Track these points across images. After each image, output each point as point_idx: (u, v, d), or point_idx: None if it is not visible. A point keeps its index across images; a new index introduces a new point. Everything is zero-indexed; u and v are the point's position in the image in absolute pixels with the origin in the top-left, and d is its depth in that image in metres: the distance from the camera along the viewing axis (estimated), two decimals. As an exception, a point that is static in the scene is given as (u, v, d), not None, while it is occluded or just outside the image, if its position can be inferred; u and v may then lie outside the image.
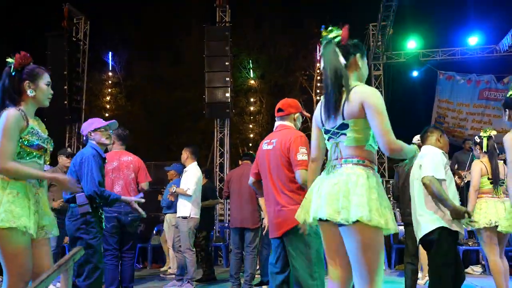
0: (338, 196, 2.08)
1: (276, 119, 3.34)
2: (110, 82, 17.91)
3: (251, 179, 3.39)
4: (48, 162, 2.62)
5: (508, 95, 3.48)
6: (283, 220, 3.01)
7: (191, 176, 5.58)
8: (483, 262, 7.01)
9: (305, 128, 10.32)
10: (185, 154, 5.77)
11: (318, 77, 18.90)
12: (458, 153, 7.85)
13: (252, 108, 18.58)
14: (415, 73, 11.46)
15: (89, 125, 3.77)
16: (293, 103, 3.31)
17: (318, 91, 18.87)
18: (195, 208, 5.55)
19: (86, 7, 11.30)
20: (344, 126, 2.16)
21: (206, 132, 15.11)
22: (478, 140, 4.56)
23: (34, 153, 2.47)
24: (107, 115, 17.18)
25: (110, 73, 17.80)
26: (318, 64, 18.87)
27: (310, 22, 18.24)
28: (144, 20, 18.01)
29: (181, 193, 5.52)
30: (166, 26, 17.66)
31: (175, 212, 5.84)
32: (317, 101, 15.83)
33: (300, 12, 18.49)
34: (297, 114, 3.29)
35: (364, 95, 2.12)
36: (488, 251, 4.28)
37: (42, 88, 2.54)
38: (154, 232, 8.64)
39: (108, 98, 17.92)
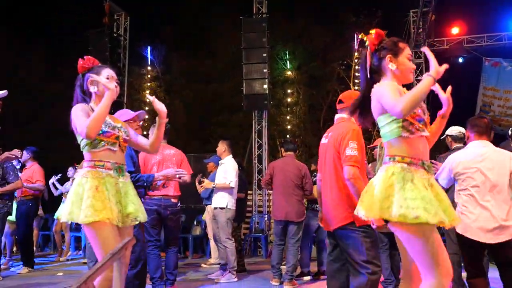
0: (370, 194, 2.22)
1: (338, 111, 3.31)
2: (149, 76, 18.24)
3: (319, 174, 3.34)
4: (125, 150, 2.71)
5: None
6: (333, 217, 3.01)
7: (231, 169, 5.71)
8: None
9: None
10: (223, 147, 5.85)
11: (356, 67, 18.59)
12: (504, 144, 7.54)
13: (289, 100, 18.48)
14: (460, 60, 11.07)
15: (117, 117, 3.85)
16: (354, 94, 3.20)
17: (356, 81, 18.57)
18: (232, 199, 5.70)
19: (125, 2, 11.54)
20: (377, 125, 2.30)
21: (244, 124, 15.16)
22: (511, 133, 4.33)
23: (106, 140, 2.55)
24: (147, 108, 17.54)
25: (149, 68, 18.11)
26: (356, 54, 18.57)
27: (346, 12, 17.94)
28: (180, 14, 18.19)
29: (223, 187, 5.63)
30: (201, 19, 17.80)
31: None
32: (355, 91, 15.59)
33: (337, 1, 18.18)
34: None
35: (375, 91, 2.24)
36: None
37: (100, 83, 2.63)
38: (195, 223, 8.80)
39: (147, 92, 18.27)
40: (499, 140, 6.95)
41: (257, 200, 9.98)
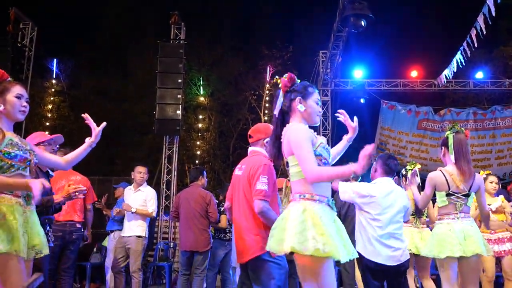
0: (281, 228, 2.31)
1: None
2: (53, 90, 17.20)
3: (227, 203, 3.38)
4: (34, 174, 2.55)
5: (445, 135, 3.74)
6: (245, 249, 3.02)
7: (153, 197, 5.64)
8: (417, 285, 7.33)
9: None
10: (145, 173, 5.70)
11: (267, 98, 19.22)
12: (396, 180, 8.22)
13: (200, 125, 18.50)
14: (360, 101, 11.95)
15: (32, 139, 3.64)
16: (263, 128, 3.33)
17: (266, 111, 19.16)
18: (147, 228, 5.60)
19: (34, 13, 10.89)
20: (287, 164, 2.40)
21: (153, 148, 14.85)
22: (404, 173, 4.81)
23: (18, 165, 2.39)
24: (47, 124, 16.48)
25: (54, 81, 17.10)
26: (267, 85, 19.22)
27: (262, 44, 18.61)
28: (96, 31, 17.58)
29: (145, 214, 5.49)
30: (117, 39, 17.31)
31: (121, 230, 5.82)
32: (265, 121, 16.13)
33: (254, 34, 18.83)
34: (267, 139, 3.25)
35: (288, 133, 2.37)
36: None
37: (11, 101, 2.48)
38: (95, 249, 8.32)
39: (50, 106, 17.19)
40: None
41: (162, 227, 9.75)
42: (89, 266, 7.97)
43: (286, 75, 2.50)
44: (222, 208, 6.04)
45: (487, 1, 6.15)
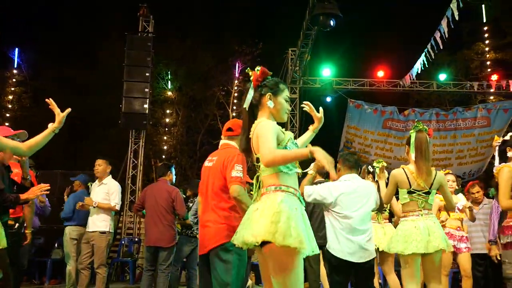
0: (253, 219, 2.28)
1: (222, 137, 3.36)
2: (14, 80, 16.59)
3: (199, 197, 3.36)
4: None
5: (409, 133, 3.82)
6: (209, 238, 3.03)
7: (116, 190, 5.51)
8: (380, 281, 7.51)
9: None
10: (105, 166, 5.57)
11: (236, 94, 19.18)
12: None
13: (167, 120, 18.28)
14: (328, 99, 12.10)
15: None
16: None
17: (234, 107, 19.12)
18: (112, 223, 5.49)
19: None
20: (257, 160, 2.37)
21: (118, 142, 14.56)
22: (371, 170, 4.91)
23: None
24: (8, 115, 15.91)
25: (15, 71, 16.50)
26: (236, 81, 19.18)
27: (231, 40, 18.54)
28: (61, 20, 17.06)
29: (108, 208, 5.37)
30: (84, 30, 16.86)
31: (78, 225, 5.73)
32: (233, 117, 16.12)
33: (223, 29, 18.73)
34: None
35: (256, 129, 2.36)
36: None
37: None
38: (56, 245, 8.10)
39: (11, 97, 16.58)
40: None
41: (127, 222, 9.59)
42: (49, 262, 7.77)
43: (258, 68, 2.46)
44: (191, 204, 6.00)
45: (451, 5, 6.33)
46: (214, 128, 19.26)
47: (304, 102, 2.90)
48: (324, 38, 11.01)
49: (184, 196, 6.10)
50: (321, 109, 2.85)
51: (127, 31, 9.62)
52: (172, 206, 5.31)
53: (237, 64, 19.00)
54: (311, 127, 2.91)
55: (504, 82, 11.94)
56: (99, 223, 5.38)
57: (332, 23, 8.46)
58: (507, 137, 3.86)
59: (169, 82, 18.64)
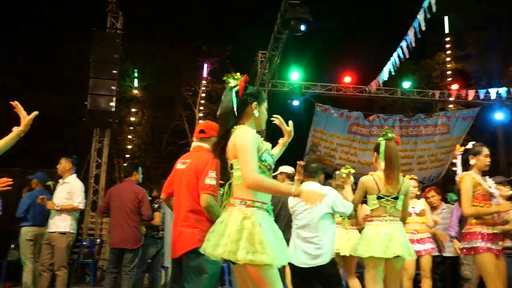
0: (218, 232, 2.30)
1: (194, 139, 3.35)
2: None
3: (162, 196, 3.37)
4: None
5: (378, 141, 3.90)
6: (181, 242, 3.00)
7: (79, 189, 5.36)
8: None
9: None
10: (67, 165, 5.41)
11: (203, 94, 19.06)
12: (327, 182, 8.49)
13: (132, 119, 17.95)
14: (296, 103, 12.21)
15: None
16: (216, 127, 3.27)
17: (201, 108, 18.99)
18: (74, 223, 5.33)
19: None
20: (231, 166, 2.38)
21: (81, 140, 14.17)
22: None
23: None
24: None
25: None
26: (203, 82, 19.06)
27: (201, 40, 18.42)
28: (24, 13, 16.44)
29: (70, 208, 5.22)
30: (48, 23, 16.31)
31: (33, 225, 5.60)
32: (200, 118, 15.91)
33: (193, 29, 18.57)
34: None
35: (235, 137, 2.35)
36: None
37: None
38: (12, 246, 7.79)
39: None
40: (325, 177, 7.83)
41: (87, 223, 9.35)
42: (5, 264, 7.47)
43: (241, 77, 2.45)
44: (156, 205, 5.91)
45: (418, 16, 6.53)
46: (180, 129, 19.09)
47: (274, 116, 2.90)
48: (294, 42, 11.11)
49: (150, 198, 6.00)
50: (290, 122, 2.85)
51: (94, 27, 9.38)
52: (138, 207, 5.22)
53: (205, 65, 18.91)
54: (280, 141, 2.90)
55: (463, 91, 12.39)
56: (59, 223, 5.23)
57: (303, 27, 8.55)
58: (469, 146, 4.01)
59: (135, 80, 18.33)
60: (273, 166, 2.45)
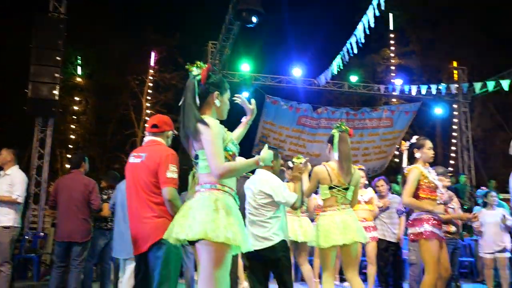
0: (188, 216, 2.30)
1: (147, 133, 3.30)
2: None
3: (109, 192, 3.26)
4: None
5: (332, 133, 4.00)
6: (147, 234, 2.95)
7: (21, 182, 5.11)
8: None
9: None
10: (8, 156, 5.14)
11: (150, 84, 18.66)
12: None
13: (76, 108, 17.26)
14: (246, 94, 12.23)
15: None
16: (168, 120, 3.32)
17: (149, 97, 18.60)
18: (18, 217, 5.10)
19: None
20: (196, 157, 2.40)
21: (18, 130, 13.48)
22: (291, 165, 5.09)
23: None
24: None
25: None
26: (151, 71, 18.65)
27: (148, 28, 17.98)
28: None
29: (8, 201, 4.97)
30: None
31: None
32: (147, 107, 15.52)
33: (141, 15, 18.10)
34: (170, 132, 3.31)
35: (201, 128, 2.35)
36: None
37: None
38: None
39: None
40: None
41: (29, 215, 8.94)
42: None
43: (204, 65, 2.46)
44: (105, 196, 5.76)
45: (367, 12, 6.73)
46: (127, 118, 18.61)
47: (236, 95, 2.93)
48: (245, 33, 11.11)
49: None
50: (253, 100, 2.89)
51: (36, 11, 8.91)
52: (88, 199, 5.07)
53: (152, 54, 18.50)
54: (244, 120, 2.94)
55: (406, 86, 12.94)
56: (2, 217, 5.00)
57: (255, 19, 8.56)
58: (413, 140, 4.21)
59: (79, 67, 17.62)
60: (237, 155, 2.47)
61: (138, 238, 3.03)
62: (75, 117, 17.57)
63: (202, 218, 2.23)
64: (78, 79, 17.72)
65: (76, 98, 17.63)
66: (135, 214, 3.06)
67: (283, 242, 3.76)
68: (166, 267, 2.91)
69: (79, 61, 17.53)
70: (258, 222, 3.71)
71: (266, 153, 2.36)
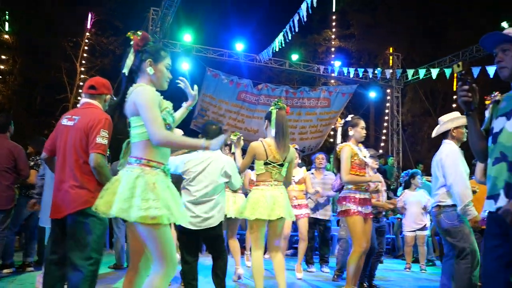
0: (112, 192, 2.28)
1: (83, 95, 3.17)
2: None
3: (44, 155, 3.11)
4: None
5: (269, 110, 4.05)
6: (67, 202, 2.86)
7: None
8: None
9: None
10: None
11: (86, 47, 17.77)
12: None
13: (2, 67, 16.12)
14: (186, 65, 11.98)
15: None
16: (107, 83, 3.21)
17: (83, 61, 17.73)
18: None
19: None
20: (129, 124, 2.37)
21: None
22: (229, 142, 5.13)
23: None
24: None
25: None
26: (87, 34, 17.73)
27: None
28: None
29: None
30: None
31: None
32: (81, 72, 14.83)
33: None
34: (108, 96, 3.19)
35: (134, 95, 2.31)
36: None
37: None
38: None
39: None
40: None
41: None
42: None
43: (139, 33, 2.39)
44: (32, 163, 5.49)
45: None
46: (59, 82, 17.64)
47: (180, 78, 2.88)
48: (189, 3, 10.83)
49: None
50: (195, 87, 2.86)
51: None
52: (14, 165, 4.79)
53: (89, 15, 17.56)
54: (184, 104, 2.89)
55: (345, 69, 13.31)
56: None
57: (200, -12, 8.35)
58: (348, 118, 4.38)
59: (6, 24, 16.38)
60: (172, 126, 2.43)
61: (57, 203, 2.94)
62: (1, 77, 16.43)
63: (119, 196, 2.21)
64: (6, 36, 16.50)
65: (3, 57, 16.47)
66: (57, 180, 2.97)
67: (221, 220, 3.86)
68: (86, 236, 2.84)
69: (6, 17, 16.27)
70: (204, 202, 3.74)
71: (218, 140, 2.32)
